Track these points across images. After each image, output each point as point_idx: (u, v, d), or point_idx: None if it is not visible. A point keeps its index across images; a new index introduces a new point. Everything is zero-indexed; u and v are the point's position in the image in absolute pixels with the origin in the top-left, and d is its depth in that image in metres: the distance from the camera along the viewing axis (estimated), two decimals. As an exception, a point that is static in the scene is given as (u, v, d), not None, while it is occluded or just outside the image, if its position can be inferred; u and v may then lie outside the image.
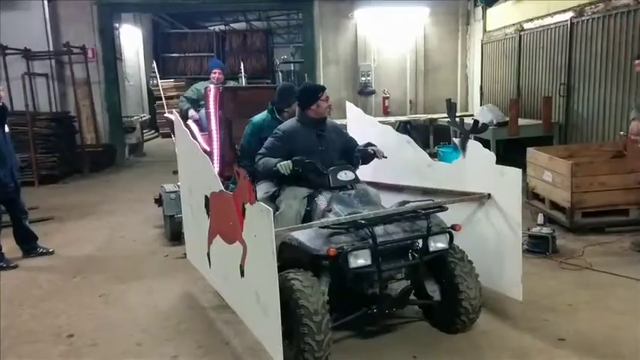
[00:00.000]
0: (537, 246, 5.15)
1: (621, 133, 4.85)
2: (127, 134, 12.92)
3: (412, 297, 3.80)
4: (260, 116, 4.60)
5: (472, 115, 9.40)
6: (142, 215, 7.33)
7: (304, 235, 3.41)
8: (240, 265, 3.39)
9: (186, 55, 19.20)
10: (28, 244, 5.86)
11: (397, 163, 4.49)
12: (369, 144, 4.24)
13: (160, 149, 14.42)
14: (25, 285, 5.03)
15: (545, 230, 5.20)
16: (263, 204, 3.07)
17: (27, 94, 10.51)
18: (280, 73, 17.49)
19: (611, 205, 5.71)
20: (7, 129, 5.64)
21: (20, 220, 5.79)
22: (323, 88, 4.20)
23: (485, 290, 3.74)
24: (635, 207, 5.71)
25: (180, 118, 4.59)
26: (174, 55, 19.10)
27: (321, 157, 4.02)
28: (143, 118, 15.14)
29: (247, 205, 3.20)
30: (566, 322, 3.85)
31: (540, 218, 5.32)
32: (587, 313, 4.00)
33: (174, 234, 6.05)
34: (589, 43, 7.67)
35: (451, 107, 4.30)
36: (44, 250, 5.89)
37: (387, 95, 11.61)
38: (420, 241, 3.48)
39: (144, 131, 14.80)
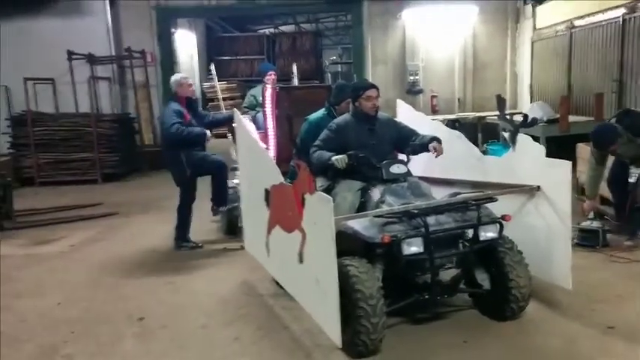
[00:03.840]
0: (587, 240, 5.17)
1: None
2: (183, 135, 13.40)
3: (462, 286, 3.96)
4: (317, 114, 4.82)
5: (521, 113, 9.37)
6: (201, 211, 7.63)
7: (359, 224, 3.59)
8: (300, 252, 3.61)
9: (238, 57, 19.67)
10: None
11: (448, 158, 4.59)
12: (435, 138, 4.29)
13: (213, 149, 14.83)
14: (98, 273, 5.43)
15: (596, 224, 5.23)
16: (323, 193, 3.30)
17: (91, 96, 11.17)
18: (330, 74, 17.72)
19: (661, 200, 5.65)
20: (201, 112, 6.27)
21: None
22: (368, 86, 4.33)
23: (534, 280, 3.83)
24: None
25: (241, 116, 4.87)
26: (226, 57, 19.59)
27: (373, 150, 4.19)
28: (197, 120, 15.63)
29: (307, 196, 3.44)
30: (614, 311, 3.91)
31: (591, 212, 5.35)
32: (636, 303, 4.04)
33: (231, 228, 6.36)
34: (642, 38, 7.57)
35: (501, 102, 4.40)
36: (194, 245, 6.17)
37: (435, 94, 11.66)
38: (471, 231, 3.62)
39: (197, 132, 15.28)
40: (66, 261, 5.88)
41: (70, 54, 11.26)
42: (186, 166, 5.95)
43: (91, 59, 11.51)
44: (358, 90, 4.33)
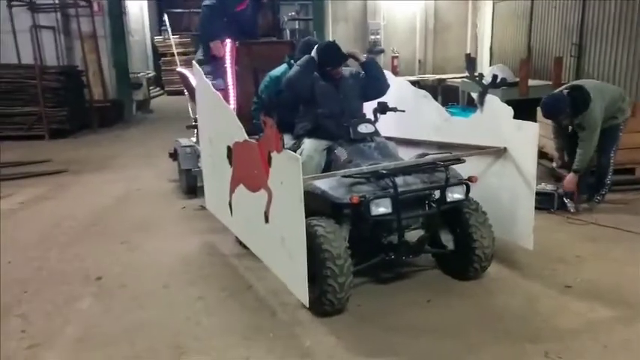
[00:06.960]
0: (543, 202, 5.21)
1: None
2: (134, 90, 12.93)
3: (427, 247, 3.97)
4: (278, 70, 4.68)
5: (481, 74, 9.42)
6: (156, 169, 7.46)
7: (327, 184, 3.53)
8: (265, 212, 3.53)
9: (191, 10, 18.86)
10: None
11: (414, 118, 4.58)
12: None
13: (166, 106, 14.45)
14: (50, 231, 5.20)
15: (550, 187, 5.32)
16: (291, 152, 3.19)
17: (35, 47, 10.51)
18: (288, 31, 17.29)
19: (617, 164, 5.81)
20: None
21: None
22: (333, 65, 4.20)
23: (497, 241, 3.86)
24: (641, 166, 5.85)
25: (201, 70, 4.64)
26: (178, 10, 18.79)
27: (341, 106, 4.14)
28: (149, 75, 15.09)
29: (274, 154, 3.33)
30: (573, 271, 4.03)
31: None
32: (594, 263, 4.17)
33: (190, 188, 6.18)
34: (602, 2, 7.65)
35: (470, 62, 4.35)
36: None
37: (396, 54, 11.59)
38: (438, 192, 3.62)
39: (150, 88, 14.79)
40: (15, 219, 5.62)
41: (10, 0, 10.50)
42: None
43: (33, 6, 10.82)
44: (324, 61, 4.16)
